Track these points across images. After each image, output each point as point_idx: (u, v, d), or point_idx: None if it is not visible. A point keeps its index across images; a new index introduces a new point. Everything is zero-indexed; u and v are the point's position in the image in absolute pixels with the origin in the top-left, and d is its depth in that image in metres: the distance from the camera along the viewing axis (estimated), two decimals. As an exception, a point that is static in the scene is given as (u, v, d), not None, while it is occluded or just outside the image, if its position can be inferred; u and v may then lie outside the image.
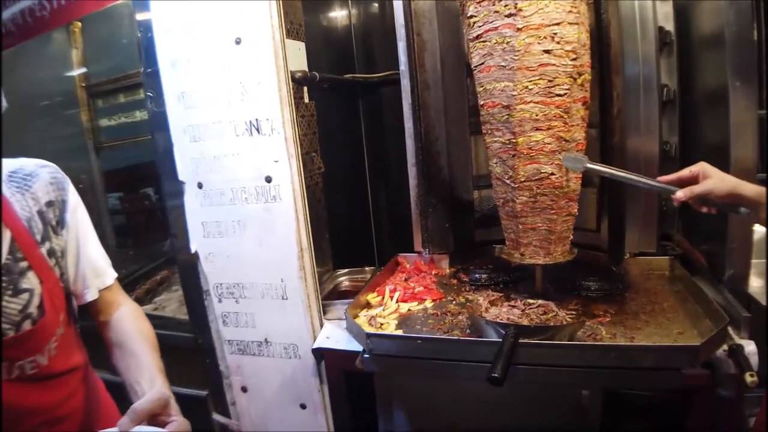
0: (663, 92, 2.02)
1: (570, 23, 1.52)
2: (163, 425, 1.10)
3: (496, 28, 1.59)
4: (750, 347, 1.52)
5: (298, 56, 2.08)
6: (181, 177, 1.98)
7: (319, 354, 1.88)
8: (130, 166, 3.24)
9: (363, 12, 2.74)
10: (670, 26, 2.06)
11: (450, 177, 2.07)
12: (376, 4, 2.72)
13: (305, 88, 2.12)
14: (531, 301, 1.74)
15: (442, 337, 1.62)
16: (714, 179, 1.35)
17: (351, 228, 2.65)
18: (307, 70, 2.10)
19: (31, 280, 1.19)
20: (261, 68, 1.81)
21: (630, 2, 1.88)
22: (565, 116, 1.59)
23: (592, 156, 1.90)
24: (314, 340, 1.90)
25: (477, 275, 2.00)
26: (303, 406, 2.01)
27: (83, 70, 3.10)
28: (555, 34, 1.53)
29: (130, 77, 2.84)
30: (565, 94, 1.56)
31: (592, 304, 1.77)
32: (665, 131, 2.08)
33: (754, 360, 1.48)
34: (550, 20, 1.52)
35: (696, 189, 1.35)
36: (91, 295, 1.38)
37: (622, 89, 1.80)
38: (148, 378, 1.23)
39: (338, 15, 2.71)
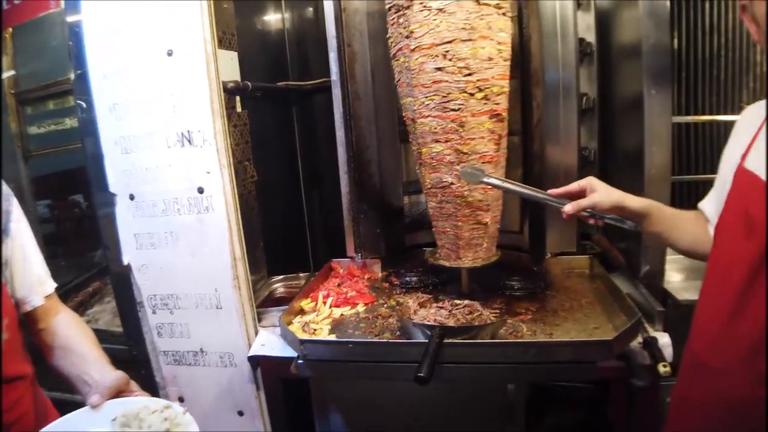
0: (582, 101, 2.19)
1: (463, 40, 1.65)
2: None
3: (401, 49, 1.76)
4: (664, 339, 1.68)
5: (230, 66, 2.16)
6: (112, 189, 2.01)
7: (255, 361, 1.95)
8: (59, 173, 3.22)
9: (297, 18, 2.81)
10: (591, 37, 2.24)
11: (381, 184, 2.18)
12: (311, 9, 2.79)
13: (238, 98, 2.19)
14: (458, 301, 1.86)
15: (372, 340, 1.73)
16: (599, 193, 1.43)
17: (286, 234, 2.73)
18: (239, 79, 2.18)
19: None
20: (193, 80, 1.86)
21: (552, 15, 2.03)
22: (461, 130, 1.72)
23: (515, 162, 2.06)
24: (249, 348, 1.96)
25: (407, 278, 2.13)
26: (240, 413, 2.07)
27: (12, 72, 3.07)
28: (447, 52, 1.67)
29: (60, 84, 2.84)
30: (459, 108, 1.70)
31: (516, 303, 1.92)
32: (585, 137, 2.26)
33: (668, 351, 1.62)
34: (441, 39, 1.66)
35: (582, 202, 1.43)
36: (37, 301, 1.45)
37: (542, 100, 1.94)
38: (98, 369, 1.33)
39: (272, 20, 2.77)
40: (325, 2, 2.07)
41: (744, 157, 1.24)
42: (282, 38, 2.79)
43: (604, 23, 2.27)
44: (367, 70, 2.11)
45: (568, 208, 1.44)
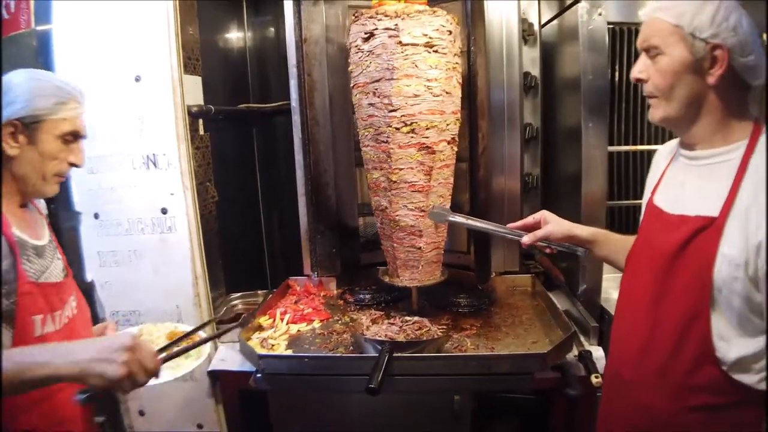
0: (526, 131, 2.40)
1: (387, 79, 1.88)
2: None
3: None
4: (598, 353, 1.91)
5: (194, 90, 2.29)
6: (77, 207, 2.14)
7: (215, 376, 2.09)
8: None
9: (258, 37, 2.96)
10: (536, 70, 2.46)
11: (337, 205, 2.34)
12: (272, 29, 2.95)
13: (200, 120, 2.33)
14: (408, 318, 2.05)
15: (327, 355, 1.89)
16: (552, 224, 1.60)
17: (244, 253, 2.86)
18: (202, 103, 2.32)
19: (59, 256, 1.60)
20: (159, 105, 2.04)
21: (499, 50, 2.25)
22: (389, 160, 1.95)
23: (463, 187, 2.26)
24: (209, 363, 2.10)
25: (361, 296, 2.31)
26: (200, 426, 2.20)
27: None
28: (376, 89, 1.91)
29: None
30: (387, 141, 1.93)
31: (462, 319, 2.12)
32: (529, 164, 2.49)
33: (601, 364, 1.83)
34: (371, 78, 1.92)
35: (538, 233, 1.60)
36: None
37: (487, 131, 2.15)
38: None
39: (234, 39, 2.89)
40: (286, 32, 2.24)
41: (654, 191, 1.45)
42: (243, 58, 2.94)
43: (549, 56, 2.50)
44: (326, 98, 2.27)
45: (526, 239, 1.62)
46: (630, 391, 1.39)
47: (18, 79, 1.46)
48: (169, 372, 1.52)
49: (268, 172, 2.96)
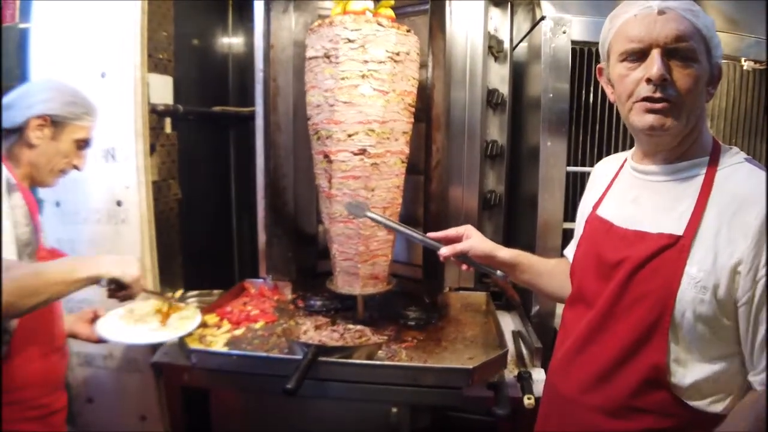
0: (489, 147, 2.43)
1: (306, 90, 2.04)
2: None
3: None
4: (539, 375, 1.88)
5: (163, 89, 2.39)
6: (40, 195, 2.23)
7: (158, 368, 2.14)
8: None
9: (241, 42, 3.04)
10: (504, 88, 2.48)
11: (295, 211, 2.40)
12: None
13: (168, 119, 2.42)
14: (351, 326, 2.09)
15: (254, 354, 1.92)
16: (474, 240, 1.54)
17: (212, 253, 2.92)
18: (171, 103, 2.41)
19: None
20: (122, 101, 2.12)
21: (462, 65, 2.29)
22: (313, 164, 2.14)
23: (421, 200, 2.29)
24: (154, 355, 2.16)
25: (312, 302, 2.34)
26: (143, 418, 2.25)
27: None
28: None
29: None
30: (312, 148, 2.11)
31: (406, 331, 2.13)
32: (494, 181, 2.50)
33: (540, 386, 1.75)
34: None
35: (457, 247, 1.53)
36: None
37: (441, 144, 2.18)
38: None
39: (217, 43, 2.98)
40: (255, 38, 2.32)
41: (596, 206, 1.42)
42: (225, 62, 3.03)
43: (519, 75, 2.52)
44: (289, 104, 2.34)
45: (444, 251, 1.54)
46: (570, 409, 1.35)
47: (54, 83, 1.78)
48: (171, 331, 1.82)
49: (243, 175, 3.00)
